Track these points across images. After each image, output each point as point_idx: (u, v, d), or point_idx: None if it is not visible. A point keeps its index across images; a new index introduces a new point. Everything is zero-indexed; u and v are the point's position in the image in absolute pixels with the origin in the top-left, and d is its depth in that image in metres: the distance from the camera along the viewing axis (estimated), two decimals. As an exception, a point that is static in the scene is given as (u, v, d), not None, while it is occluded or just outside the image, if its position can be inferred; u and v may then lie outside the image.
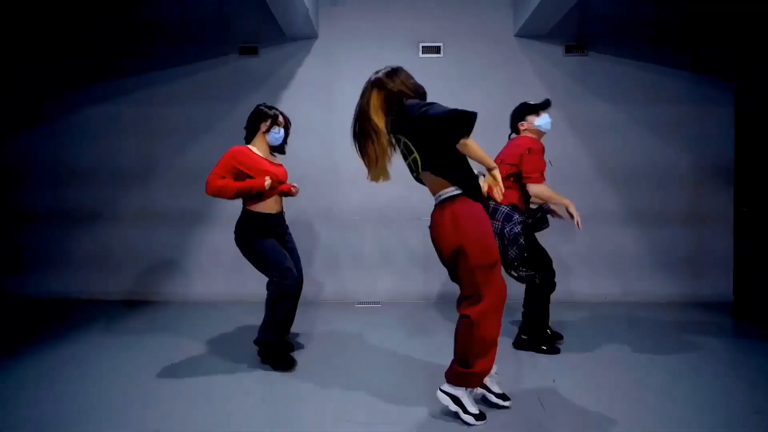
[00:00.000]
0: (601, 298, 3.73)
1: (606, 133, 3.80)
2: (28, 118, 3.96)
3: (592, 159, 3.81)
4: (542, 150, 2.56)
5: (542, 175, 2.53)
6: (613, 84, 3.76)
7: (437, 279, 3.68)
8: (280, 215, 2.59)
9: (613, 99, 3.78)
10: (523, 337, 2.67)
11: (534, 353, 2.60)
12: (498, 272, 1.80)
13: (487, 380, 1.94)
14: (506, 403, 1.93)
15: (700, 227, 3.77)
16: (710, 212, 3.76)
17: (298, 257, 2.63)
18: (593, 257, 3.80)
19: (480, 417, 1.80)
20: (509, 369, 2.34)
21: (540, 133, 2.63)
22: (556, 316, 2.86)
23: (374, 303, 3.67)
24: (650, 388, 2.16)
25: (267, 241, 2.47)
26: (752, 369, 2.39)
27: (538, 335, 2.64)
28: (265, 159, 2.52)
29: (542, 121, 2.59)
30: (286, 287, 2.38)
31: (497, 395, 1.95)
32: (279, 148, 2.66)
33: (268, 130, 2.51)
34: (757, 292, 3.29)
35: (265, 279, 2.46)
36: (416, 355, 2.58)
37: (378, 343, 2.77)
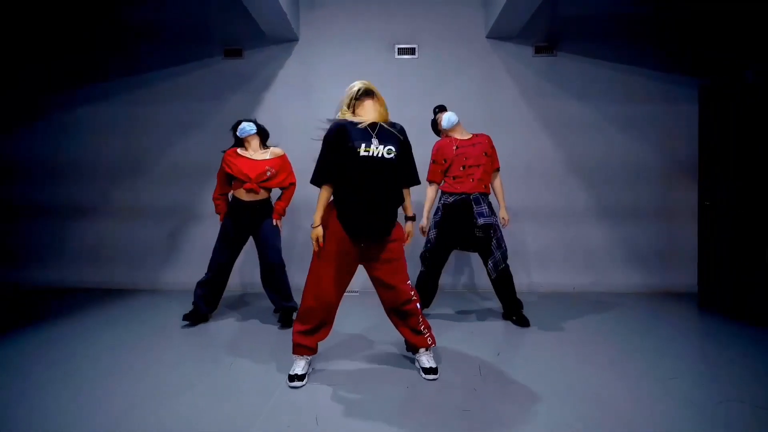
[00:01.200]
0: (569, 289, 3.86)
1: (576, 130, 3.93)
2: (22, 117, 4.17)
3: (562, 155, 3.95)
4: (438, 153, 2.97)
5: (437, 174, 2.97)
6: (581, 83, 3.91)
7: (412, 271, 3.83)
8: (252, 204, 2.90)
9: (581, 97, 3.92)
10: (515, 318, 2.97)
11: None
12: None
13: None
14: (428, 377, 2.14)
15: (666, 221, 3.90)
16: (676, 207, 3.89)
17: (271, 241, 2.93)
18: (564, 250, 3.93)
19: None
20: (460, 343, 2.50)
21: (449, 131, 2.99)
22: (526, 305, 3.10)
23: (353, 292, 3.83)
24: (601, 364, 2.28)
25: (223, 229, 2.98)
26: (713, 353, 2.48)
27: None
28: (247, 158, 2.94)
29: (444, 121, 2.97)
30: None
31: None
32: (263, 137, 3.04)
33: (235, 130, 3.01)
34: (720, 282, 3.41)
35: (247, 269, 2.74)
36: (385, 339, 2.74)
37: (350, 329, 2.91)
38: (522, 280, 3.83)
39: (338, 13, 3.99)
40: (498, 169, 3.03)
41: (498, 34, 3.87)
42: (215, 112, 4.04)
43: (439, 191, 2.99)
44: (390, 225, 2.04)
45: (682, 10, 3.84)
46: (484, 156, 2.90)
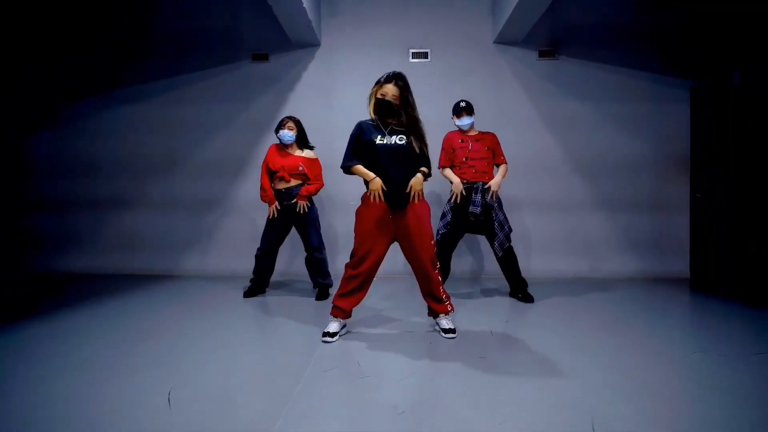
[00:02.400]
0: (570, 275, 4.17)
1: (576, 128, 4.24)
2: (68, 119, 4.53)
3: (564, 152, 4.25)
4: (447, 141, 3.35)
5: (447, 160, 3.33)
6: (581, 84, 4.21)
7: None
8: (288, 191, 3.33)
9: (582, 98, 4.22)
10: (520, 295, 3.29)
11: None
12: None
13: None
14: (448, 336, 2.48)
15: (660, 212, 4.19)
16: (669, 199, 4.18)
17: (312, 229, 3.39)
18: (566, 239, 4.24)
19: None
20: (472, 314, 2.84)
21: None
22: (530, 289, 3.40)
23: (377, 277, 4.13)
24: (598, 329, 2.59)
25: (269, 215, 3.38)
26: (704, 329, 2.70)
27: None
28: (285, 152, 3.38)
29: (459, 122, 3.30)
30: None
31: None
32: (303, 143, 3.44)
33: (277, 132, 3.38)
34: (710, 267, 3.67)
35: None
36: (409, 312, 3.07)
37: (378, 305, 3.21)
38: (524, 267, 4.10)
39: (357, 20, 4.31)
40: (503, 164, 3.33)
41: (504, 39, 4.19)
42: (243, 112, 4.37)
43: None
44: (407, 195, 2.38)
45: (675, 17, 4.14)
46: (486, 150, 3.24)
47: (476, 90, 4.25)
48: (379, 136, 2.39)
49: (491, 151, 3.29)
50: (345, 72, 4.31)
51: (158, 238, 4.44)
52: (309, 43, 4.29)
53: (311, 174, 3.39)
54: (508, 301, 3.28)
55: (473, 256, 4.31)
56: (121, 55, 4.47)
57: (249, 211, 4.35)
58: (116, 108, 4.48)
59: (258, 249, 3.45)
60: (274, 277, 3.82)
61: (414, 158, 2.42)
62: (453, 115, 3.33)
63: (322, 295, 3.41)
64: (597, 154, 4.22)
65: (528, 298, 3.23)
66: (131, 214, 4.47)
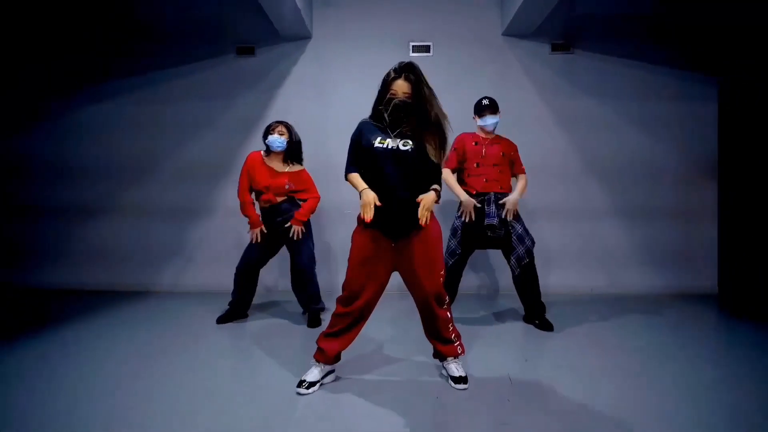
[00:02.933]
0: (587, 290, 3.80)
1: (593, 129, 3.88)
2: (30, 117, 4.12)
3: (579, 155, 3.89)
4: (458, 142, 2.96)
5: (453, 161, 2.94)
6: (598, 81, 3.85)
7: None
8: (276, 207, 2.93)
9: (599, 96, 3.87)
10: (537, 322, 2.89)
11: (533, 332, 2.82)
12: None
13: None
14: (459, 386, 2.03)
15: (685, 220, 3.84)
16: (695, 206, 3.83)
17: (300, 246, 2.93)
18: (581, 251, 3.87)
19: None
20: (485, 349, 2.44)
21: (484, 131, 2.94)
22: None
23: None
24: (627, 371, 2.21)
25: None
26: (734, 359, 2.41)
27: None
28: (270, 168, 2.90)
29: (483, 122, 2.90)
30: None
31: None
32: (293, 156, 2.95)
33: (265, 138, 2.90)
34: (741, 283, 3.34)
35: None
36: (411, 347, 2.68)
37: (374, 335, 2.83)
38: (541, 279, 3.76)
39: (352, 10, 3.95)
40: (522, 175, 2.95)
41: (514, 31, 3.82)
42: (227, 111, 4.00)
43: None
44: (413, 217, 1.89)
45: (701, 7, 3.78)
46: (501, 156, 2.85)
47: (483, 87, 3.87)
48: (379, 138, 1.93)
49: (507, 158, 2.90)
50: (339, 67, 3.95)
51: (132, 250, 4.05)
52: (299, 36, 3.91)
53: (302, 187, 2.96)
54: (523, 329, 2.88)
55: (483, 269, 3.93)
56: (91, 49, 4.07)
57: (233, 220, 3.95)
58: (86, 107, 4.09)
59: (237, 266, 3.02)
60: (261, 295, 3.44)
61: (424, 170, 1.94)
62: (474, 114, 2.95)
63: (313, 321, 2.96)
64: (616, 157, 3.86)
65: (547, 326, 2.83)
66: (102, 223, 4.07)
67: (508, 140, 2.96)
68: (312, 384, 2.01)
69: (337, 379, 2.13)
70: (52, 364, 2.31)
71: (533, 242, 2.83)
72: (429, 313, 2.04)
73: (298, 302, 3.09)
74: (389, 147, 1.91)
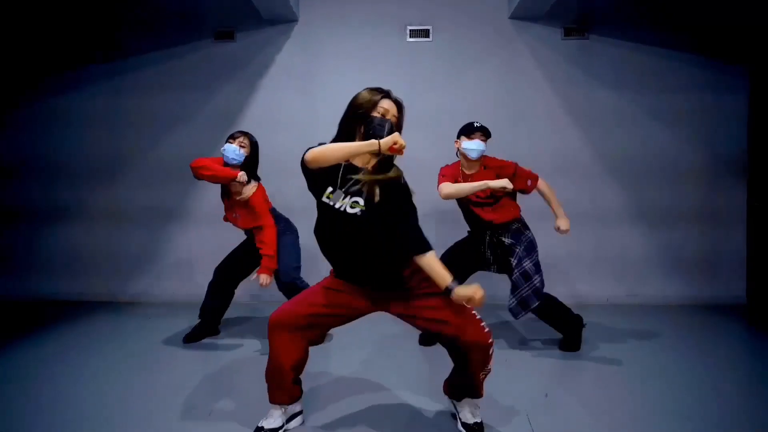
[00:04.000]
0: (603, 300, 3.47)
1: (609, 123, 3.53)
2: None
3: (594, 151, 3.54)
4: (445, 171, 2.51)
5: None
6: (616, 70, 3.49)
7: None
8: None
9: (616, 86, 3.51)
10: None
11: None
12: None
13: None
14: None
15: (711, 225, 3.50)
16: (722, 208, 3.49)
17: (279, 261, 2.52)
18: (596, 257, 3.54)
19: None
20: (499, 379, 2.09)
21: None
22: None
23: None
24: (654, 402, 1.92)
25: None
26: (764, 377, 2.20)
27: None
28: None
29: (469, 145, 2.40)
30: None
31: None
32: (249, 173, 2.53)
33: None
34: (772, 293, 3.04)
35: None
36: (398, 372, 2.33)
37: (351, 361, 2.51)
38: (548, 290, 3.44)
39: (342, -10, 3.56)
40: (537, 183, 2.56)
41: (523, 14, 3.45)
42: (204, 103, 3.63)
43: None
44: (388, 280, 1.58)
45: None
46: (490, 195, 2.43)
47: (488, 76, 3.54)
48: (329, 189, 1.56)
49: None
50: (329, 54, 3.58)
51: (100, 257, 3.69)
52: (284, 19, 3.53)
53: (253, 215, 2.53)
54: (532, 350, 2.54)
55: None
56: (54, 31, 3.66)
57: (211, 223, 3.58)
58: (48, 98, 3.70)
59: (214, 270, 2.72)
60: (242, 301, 3.10)
61: (381, 239, 1.53)
62: (461, 136, 2.44)
63: None
64: (634, 154, 3.51)
65: (570, 345, 2.48)
66: (69, 227, 3.70)
67: (499, 164, 2.48)
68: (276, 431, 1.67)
69: (303, 423, 1.77)
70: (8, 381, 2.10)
71: (542, 283, 2.41)
72: (476, 350, 1.55)
73: None
74: (335, 205, 1.54)
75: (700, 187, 3.50)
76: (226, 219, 2.69)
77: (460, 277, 2.35)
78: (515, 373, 2.22)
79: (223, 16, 3.58)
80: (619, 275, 3.53)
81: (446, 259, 2.46)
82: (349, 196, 1.52)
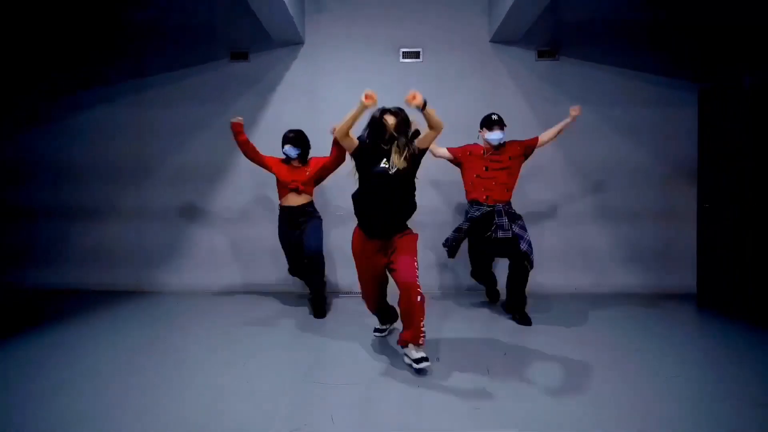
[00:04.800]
0: (571, 290, 3.91)
1: (577, 133, 3.94)
2: (29, 120, 4.17)
3: (563, 158, 4.00)
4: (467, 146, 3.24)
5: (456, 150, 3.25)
6: (583, 87, 3.95)
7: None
8: (299, 208, 3.33)
9: (583, 102, 3.89)
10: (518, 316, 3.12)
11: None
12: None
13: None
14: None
15: (666, 223, 3.96)
16: (675, 209, 3.95)
17: (310, 234, 3.29)
18: (565, 252, 3.99)
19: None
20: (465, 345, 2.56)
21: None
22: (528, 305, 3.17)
23: (357, 293, 3.86)
24: (604, 364, 2.34)
25: (281, 233, 3.40)
26: (711, 353, 2.58)
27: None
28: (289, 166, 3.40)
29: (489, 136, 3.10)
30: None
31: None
32: (301, 158, 3.41)
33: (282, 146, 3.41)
34: (718, 283, 3.46)
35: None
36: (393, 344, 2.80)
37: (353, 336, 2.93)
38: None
39: (343, 17, 4.03)
40: (535, 143, 3.21)
41: (501, 38, 3.92)
42: (221, 115, 4.04)
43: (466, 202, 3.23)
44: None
45: (681, 15, 3.90)
46: (508, 159, 3.08)
47: (471, 92, 4.00)
48: (384, 161, 2.35)
49: (516, 160, 3.14)
50: (330, 72, 4.03)
51: (129, 251, 4.12)
52: (292, 41, 4.00)
53: (321, 163, 3.38)
54: (504, 325, 3.01)
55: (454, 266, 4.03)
56: (90, 52, 4.13)
57: (228, 220, 4.06)
58: (83, 109, 4.14)
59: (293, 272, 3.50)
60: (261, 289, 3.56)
61: (405, 186, 2.39)
62: (482, 128, 3.14)
63: (319, 309, 3.29)
64: (598, 160, 3.98)
65: (525, 320, 2.97)
66: (100, 224, 4.14)
67: (511, 142, 3.16)
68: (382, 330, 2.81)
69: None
70: (50, 363, 2.40)
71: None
72: (408, 301, 2.27)
73: (306, 285, 3.47)
74: (391, 172, 2.32)
75: (656, 190, 3.96)
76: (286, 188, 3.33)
77: (489, 260, 3.34)
78: (480, 340, 2.72)
79: (239, 39, 4.04)
80: (585, 267, 3.98)
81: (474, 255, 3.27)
82: (393, 163, 2.31)
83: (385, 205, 2.32)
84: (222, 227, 4.06)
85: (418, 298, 2.26)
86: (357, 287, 3.34)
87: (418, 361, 2.23)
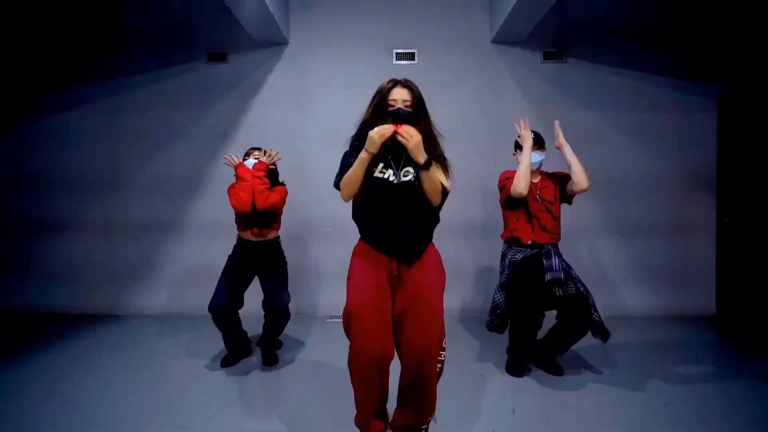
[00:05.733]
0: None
1: (586, 141, 3.65)
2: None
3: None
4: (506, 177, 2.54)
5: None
6: (592, 91, 3.67)
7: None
8: (256, 244, 2.65)
9: (593, 107, 3.68)
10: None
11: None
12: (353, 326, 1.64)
13: None
14: None
15: (682, 238, 3.68)
16: (693, 223, 3.67)
17: (276, 283, 2.63)
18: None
19: None
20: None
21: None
22: None
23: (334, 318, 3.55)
24: (628, 420, 2.06)
25: (227, 265, 2.69)
26: (735, 389, 2.33)
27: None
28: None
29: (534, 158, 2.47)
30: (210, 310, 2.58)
31: None
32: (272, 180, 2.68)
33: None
34: (739, 304, 3.20)
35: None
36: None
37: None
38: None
39: (332, 15, 3.71)
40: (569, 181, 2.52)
41: (504, 38, 3.62)
42: (198, 121, 3.76)
43: (505, 245, 2.59)
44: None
45: (700, 15, 3.61)
46: (553, 198, 2.53)
47: (471, 96, 3.70)
48: (380, 166, 1.70)
49: (559, 196, 2.51)
50: (317, 75, 3.72)
51: (98, 270, 3.79)
52: (274, 42, 3.68)
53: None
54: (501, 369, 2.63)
55: (464, 288, 3.73)
56: (55, 54, 3.78)
57: (206, 237, 3.72)
58: (49, 115, 3.81)
59: (210, 305, 2.58)
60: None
61: (426, 206, 1.71)
62: (517, 149, 2.57)
63: (268, 356, 2.67)
64: (609, 171, 3.67)
65: (556, 370, 2.53)
66: (65, 240, 3.81)
67: (553, 174, 2.60)
68: None
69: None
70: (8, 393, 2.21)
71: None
72: (418, 372, 1.65)
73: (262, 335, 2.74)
74: (390, 179, 1.69)
75: (671, 202, 3.68)
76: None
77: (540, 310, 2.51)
78: (485, 389, 2.36)
79: (216, 39, 3.72)
80: (592, 287, 3.66)
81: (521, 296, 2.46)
82: (401, 169, 1.70)
83: (391, 221, 1.71)
84: (199, 243, 3.73)
85: (438, 367, 1.66)
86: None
87: None
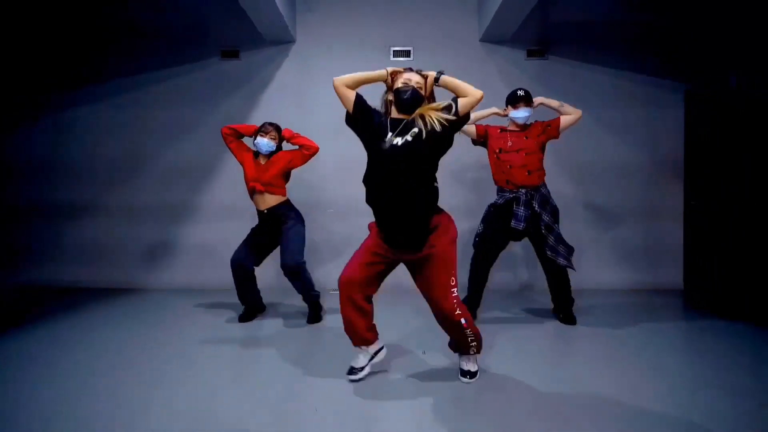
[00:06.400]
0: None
1: (566, 132, 4.00)
2: (19, 118, 4.16)
3: (552, 157, 3.97)
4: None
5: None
6: (571, 86, 3.99)
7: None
8: (267, 213, 2.98)
9: (571, 100, 3.94)
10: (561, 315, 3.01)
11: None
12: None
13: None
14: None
15: (653, 220, 4.01)
16: (662, 206, 3.99)
17: (287, 245, 2.93)
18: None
19: None
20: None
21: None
22: (519, 304, 3.37)
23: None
24: (593, 357, 2.43)
25: (249, 231, 3.09)
26: (697, 345, 2.67)
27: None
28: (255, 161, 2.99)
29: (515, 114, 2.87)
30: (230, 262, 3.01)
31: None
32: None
33: (254, 137, 2.97)
34: (704, 278, 3.51)
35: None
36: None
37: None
38: (511, 279, 3.94)
39: (334, 15, 4.04)
40: (558, 130, 2.88)
41: (491, 37, 3.95)
42: (211, 114, 4.07)
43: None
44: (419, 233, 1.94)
45: (669, 16, 3.95)
46: (530, 142, 2.83)
47: (461, 91, 4.00)
48: (389, 135, 1.90)
49: (539, 142, 2.81)
50: (321, 71, 4.04)
51: (120, 249, 4.12)
52: (283, 40, 4.01)
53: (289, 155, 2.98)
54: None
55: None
56: (80, 51, 4.12)
57: (219, 219, 4.06)
58: (74, 108, 4.14)
59: (231, 259, 3.00)
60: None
61: (421, 174, 1.91)
62: (507, 105, 2.91)
63: (313, 314, 3.05)
64: (586, 159, 4.02)
65: (570, 320, 2.93)
66: (91, 222, 4.13)
67: (536, 123, 2.91)
68: (359, 369, 2.13)
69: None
70: (43, 361, 2.39)
71: (571, 248, 2.85)
72: (444, 322, 2.02)
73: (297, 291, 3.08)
74: (387, 147, 1.89)
75: (644, 187, 4.02)
76: (252, 190, 2.95)
77: (492, 257, 2.91)
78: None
79: (230, 37, 4.04)
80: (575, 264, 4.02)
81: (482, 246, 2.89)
82: (399, 136, 1.90)
83: (391, 196, 1.87)
84: (213, 225, 4.07)
85: (462, 321, 1.96)
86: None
87: (463, 374, 2.11)
